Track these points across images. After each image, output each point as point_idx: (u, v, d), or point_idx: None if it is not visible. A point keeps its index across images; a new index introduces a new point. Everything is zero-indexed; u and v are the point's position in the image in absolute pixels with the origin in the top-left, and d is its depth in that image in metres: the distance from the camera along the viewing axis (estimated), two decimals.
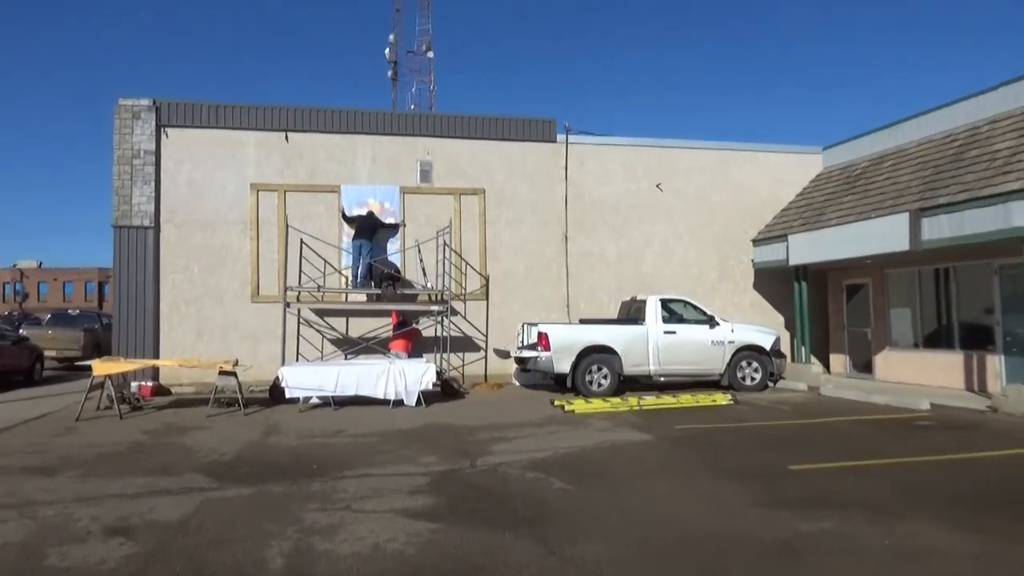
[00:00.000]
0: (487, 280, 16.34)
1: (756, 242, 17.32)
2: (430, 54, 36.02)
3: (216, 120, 15.29)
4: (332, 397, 12.38)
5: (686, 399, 12.60)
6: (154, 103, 14.99)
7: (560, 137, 16.94)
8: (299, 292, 15.33)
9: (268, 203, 15.37)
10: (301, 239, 15.39)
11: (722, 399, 12.66)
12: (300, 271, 15.38)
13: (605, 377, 13.80)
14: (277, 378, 12.47)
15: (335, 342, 15.56)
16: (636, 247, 17.19)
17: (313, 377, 12.22)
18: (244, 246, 15.32)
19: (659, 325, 14.17)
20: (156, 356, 14.81)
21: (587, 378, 13.71)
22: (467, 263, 16.29)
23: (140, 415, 12.04)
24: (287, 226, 15.06)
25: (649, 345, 14.06)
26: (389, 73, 35.57)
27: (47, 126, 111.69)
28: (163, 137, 15.07)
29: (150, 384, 14.35)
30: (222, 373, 12.10)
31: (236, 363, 12.70)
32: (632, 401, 12.29)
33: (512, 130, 16.69)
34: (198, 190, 15.21)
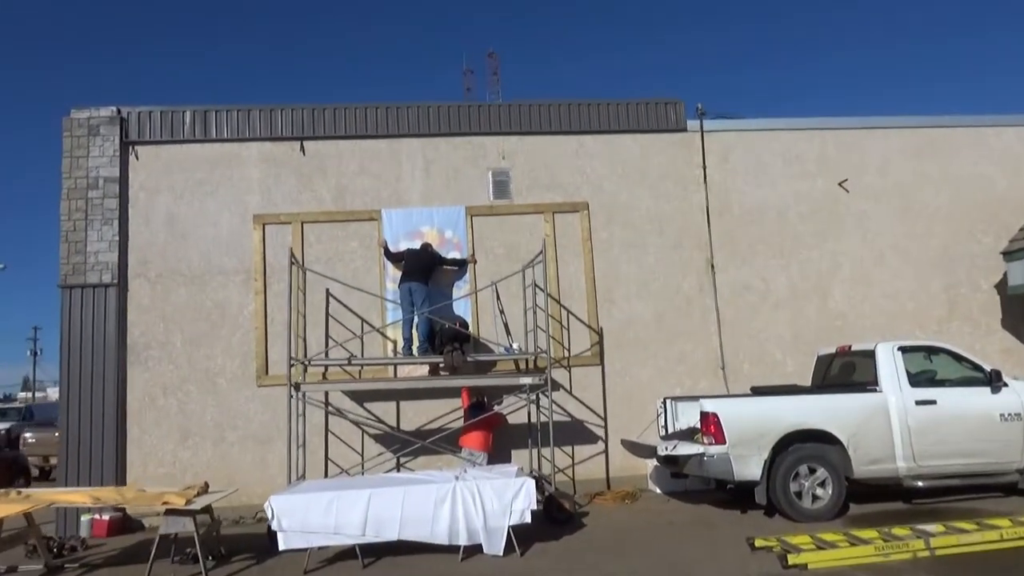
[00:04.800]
0: (600, 335, 11.00)
1: (1010, 255, 11.39)
2: None
3: (204, 131, 10.83)
4: (360, 544, 7.17)
5: (1006, 527, 6.71)
6: (118, 112, 10.68)
7: (692, 124, 11.73)
8: (326, 367, 10.39)
9: (279, 241, 10.66)
10: (327, 290, 10.57)
11: None
12: (327, 335, 10.48)
13: (823, 484, 8.09)
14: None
15: (381, 439, 10.43)
16: (816, 275, 11.56)
17: (326, 511, 7.03)
18: (247, 304, 10.57)
19: (906, 391, 8.42)
20: (121, 472, 10.03)
21: (793, 487, 8.03)
22: (568, 311, 11.03)
23: None
24: (299, 270, 10.25)
25: (894, 426, 8.29)
26: None
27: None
28: (131, 159, 10.68)
29: (107, 518, 9.53)
30: (171, 513, 7.06)
31: (203, 489, 7.70)
32: (908, 538, 6.52)
33: (623, 118, 11.60)
34: (181, 229, 10.65)
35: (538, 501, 8.78)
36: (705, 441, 8.14)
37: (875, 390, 8.50)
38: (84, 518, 9.53)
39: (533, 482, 7.35)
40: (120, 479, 9.96)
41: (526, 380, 9.56)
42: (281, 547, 7.01)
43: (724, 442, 7.99)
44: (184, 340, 10.39)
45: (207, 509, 7.80)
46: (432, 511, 7.12)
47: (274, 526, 6.99)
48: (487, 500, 7.19)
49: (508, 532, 7.21)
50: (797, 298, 11.45)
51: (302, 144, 10.94)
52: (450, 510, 7.14)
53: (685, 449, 8.27)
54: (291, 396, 9.10)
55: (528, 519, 7.26)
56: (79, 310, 10.17)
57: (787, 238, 11.60)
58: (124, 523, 9.75)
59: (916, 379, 8.55)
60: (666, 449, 8.32)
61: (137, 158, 10.69)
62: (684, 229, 11.44)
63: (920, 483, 8.28)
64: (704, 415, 8.18)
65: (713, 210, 11.51)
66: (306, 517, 7.01)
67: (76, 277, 10.22)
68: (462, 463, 9.74)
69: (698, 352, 11.13)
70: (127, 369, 10.23)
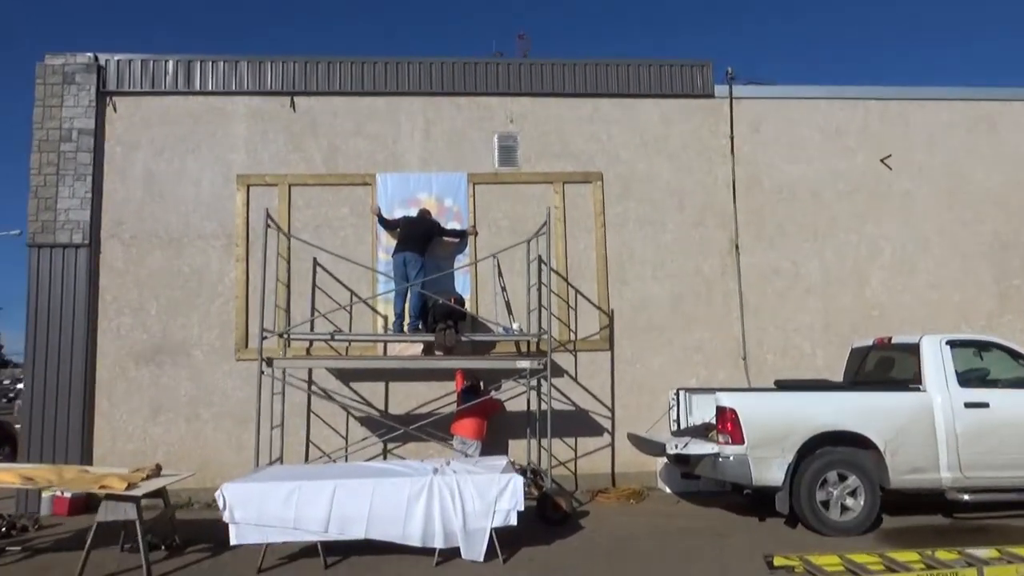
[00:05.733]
0: (610, 317, 10.06)
1: None
2: None
3: (187, 82, 10.00)
4: (323, 542, 6.35)
5: None
6: (95, 60, 9.87)
7: (720, 90, 10.67)
8: (311, 342, 9.59)
9: (264, 204, 9.76)
10: (315, 259, 9.74)
11: None
12: (312, 308, 9.67)
13: (853, 494, 7.12)
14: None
15: (368, 423, 9.61)
16: (853, 260, 10.49)
17: (285, 503, 6.22)
18: (227, 271, 9.77)
19: (954, 392, 7.39)
20: (87, 447, 9.33)
21: (819, 496, 7.08)
22: (576, 290, 10.10)
23: None
24: (280, 235, 9.49)
25: (939, 431, 7.28)
26: None
27: None
28: (108, 110, 9.88)
29: (68, 496, 8.83)
30: (110, 498, 6.29)
31: (154, 471, 6.93)
32: (956, 565, 5.55)
33: (644, 81, 10.57)
34: (159, 188, 9.85)
35: (531, 497, 7.96)
36: (721, 440, 7.20)
37: (918, 389, 7.47)
38: (45, 495, 8.84)
39: (520, 479, 6.45)
40: (86, 455, 9.28)
41: (524, 364, 8.66)
42: (233, 541, 6.21)
43: (742, 442, 7.03)
44: (159, 308, 9.62)
45: (161, 493, 7.06)
46: (404, 508, 6.27)
47: (225, 517, 6.18)
48: (468, 498, 6.32)
49: (491, 535, 6.34)
50: (830, 285, 10.40)
51: (292, 100, 10.07)
52: (425, 508, 6.28)
53: (698, 448, 7.33)
54: (262, 372, 8.26)
55: (513, 521, 6.38)
56: (47, 271, 9.43)
57: (822, 219, 10.53)
58: (88, 501, 9.03)
59: (965, 378, 7.51)
60: (676, 447, 7.38)
61: (115, 110, 9.88)
62: (707, 205, 10.42)
63: (966, 497, 7.26)
64: (721, 410, 7.22)
65: (740, 185, 10.47)
66: (262, 509, 6.19)
67: (45, 236, 9.46)
68: (450, 453, 8.93)
69: (717, 340, 10.14)
70: (97, 337, 9.49)
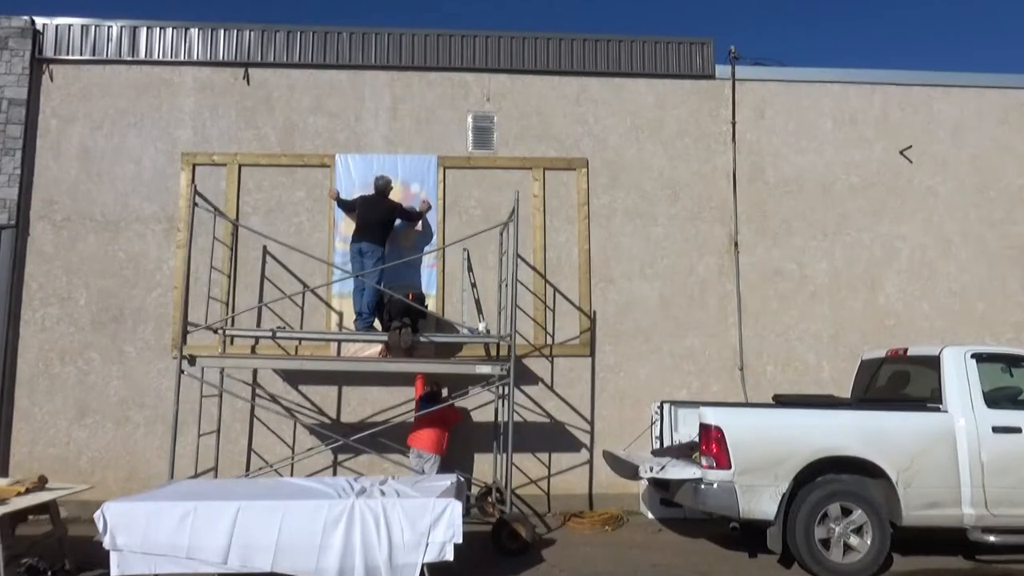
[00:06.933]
0: (592, 319, 9.03)
1: None
2: None
3: (132, 50, 9.08)
4: (222, 574, 5.36)
5: None
6: (31, 23, 8.99)
7: (721, 71, 9.64)
8: (256, 340, 8.63)
9: (212, 186, 8.86)
10: (264, 247, 8.80)
11: None
12: (260, 301, 8.71)
13: (859, 531, 6.05)
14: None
15: (318, 432, 8.62)
16: (866, 262, 9.41)
17: (178, 527, 5.23)
18: (167, 259, 8.82)
19: (980, 413, 6.30)
20: (3, 450, 8.41)
21: (819, 533, 6.01)
22: (554, 288, 9.08)
23: None
24: (219, 217, 8.54)
25: (961, 460, 6.19)
26: None
27: None
28: (44, 79, 8.99)
29: None
30: None
31: (36, 485, 5.97)
32: None
33: (637, 59, 9.56)
34: (96, 165, 8.94)
35: (491, 521, 7.00)
36: (704, 463, 6.14)
37: (938, 409, 6.39)
38: None
39: (459, 505, 5.42)
40: (2, 459, 8.36)
41: (485, 369, 7.62)
42: (114, 572, 5.22)
43: (728, 466, 5.98)
44: (90, 298, 8.69)
45: (48, 508, 6.10)
46: (320, 537, 5.27)
47: (106, 543, 5.20)
48: (395, 527, 5.31)
49: (422, 571, 5.33)
50: (840, 289, 9.32)
51: (247, 71, 9.14)
52: (344, 537, 5.27)
53: (676, 471, 6.27)
54: (181, 371, 7.28)
55: (449, 555, 5.36)
56: None
57: (832, 215, 9.46)
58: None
59: (993, 398, 6.42)
60: (650, 470, 6.33)
61: (51, 79, 8.99)
62: (704, 197, 9.37)
63: (992, 538, 6.17)
64: (704, 428, 6.16)
65: (741, 176, 9.43)
66: (149, 534, 5.21)
67: None
68: (403, 469, 7.96)
69: (712, 348, 9.09)
70: (19, 328, 8.57)
